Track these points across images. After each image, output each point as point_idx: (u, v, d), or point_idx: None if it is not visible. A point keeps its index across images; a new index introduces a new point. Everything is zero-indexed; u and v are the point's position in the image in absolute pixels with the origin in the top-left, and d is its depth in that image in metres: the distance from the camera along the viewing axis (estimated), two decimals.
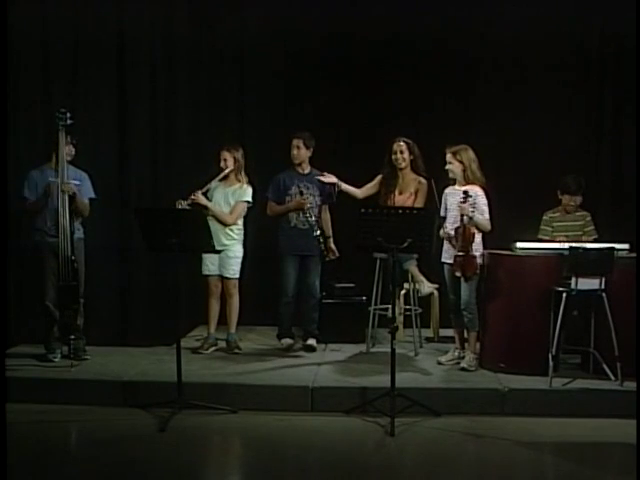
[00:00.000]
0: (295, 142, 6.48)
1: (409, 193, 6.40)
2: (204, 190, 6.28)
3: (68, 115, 5.86)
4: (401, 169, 6.40)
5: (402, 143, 6.38)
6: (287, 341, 6.61)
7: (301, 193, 6.43)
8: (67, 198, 5.87)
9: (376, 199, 6.45)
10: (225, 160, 6.36)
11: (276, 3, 7.29)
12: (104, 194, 6.50)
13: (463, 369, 5.90)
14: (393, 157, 6.39)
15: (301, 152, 6.48)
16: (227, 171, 6.35)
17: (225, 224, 6.34)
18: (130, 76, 6.83)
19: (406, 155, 6.38)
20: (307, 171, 6.56)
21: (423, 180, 6.37)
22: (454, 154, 5.90)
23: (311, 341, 6.59)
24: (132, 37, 6.81)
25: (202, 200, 6.27)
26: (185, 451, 4.69)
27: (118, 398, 5.49)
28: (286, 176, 6.55)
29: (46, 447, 4.82)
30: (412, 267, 6.34)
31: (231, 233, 6.40)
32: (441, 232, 5.90)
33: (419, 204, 6.32)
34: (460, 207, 5.75)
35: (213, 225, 6.16)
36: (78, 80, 6.76)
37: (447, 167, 5.94)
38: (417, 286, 6.43)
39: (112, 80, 6.79)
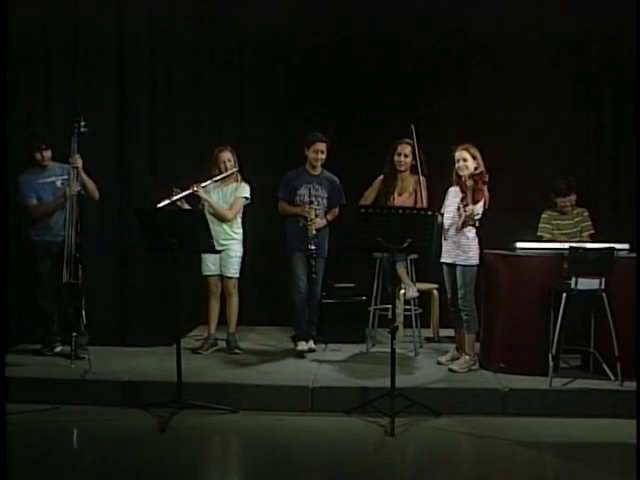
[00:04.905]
0: (321, 146, 6.32)
1: (408, 193, 6.39)
2: (204, 185, 6.29)
3: (82, 123, 6.03)
4: (401, 171, 6.39)
5: (407, 145, 6.32)
6: (303, 346, 6.41)
7: (310, 202, 6.31)
8: (75, 199, 5.99)
9: (377, 199, 6.44)
10: (229, 161, 6.36)
11: (276, 3, 7.29)
12: (104, 194, 6.50)
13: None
14: (396, 158, 6.35)
15: (323, 156, 6.36)
16: (234, 170, 6.37)
17: (225, 219, 6.34)
18: (130, 76, 6.82)
19: (409, 159, 6.33)
20: (318, 172, 6.45)
21: (422, 178, 6.33)
22: (468, 150, 5.77)
23: (310, 343, 6.52)
24: (132, 37, 6.80)
25: (202, 194, 6.27)
26: (185, 451, 4.69)
27: (118, 398, 5.49)
28: (295, 176, 6.43)
29: (46, 447, 4.83)
30: (400, 269, 6.24)
31: (231, 232, 6.40)
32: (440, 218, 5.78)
33: (423, 199, 6.28)
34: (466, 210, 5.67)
35: (212, 226, 6.16)
36: (78, 80, 6.75)
37: (459, 164, 5.76)
38: (403, 289, 6.39)
39: (112, 80, 6.78)
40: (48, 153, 6.13)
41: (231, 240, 6.40)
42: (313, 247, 6.24)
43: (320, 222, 6.33)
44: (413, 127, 6.12)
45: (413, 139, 6.13)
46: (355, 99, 7.58)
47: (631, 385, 5.36)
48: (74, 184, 5.99)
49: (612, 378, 5.52)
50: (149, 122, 6.90)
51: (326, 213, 6.45)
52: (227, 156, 6.37)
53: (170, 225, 5.32)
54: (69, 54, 6.75)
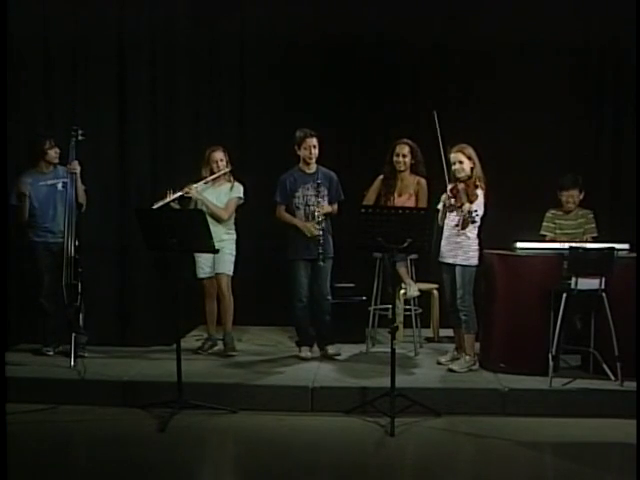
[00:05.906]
0: (312, 141, 6.18)
1: (408, 194, 6.38)
2: (196, 186, 6.27)
3: (80, 132, 6.13)
4: (400, 171, 6.38)
5: (405, 145, 6.31)
6: (307, 352, 6.28)
7: (317, 203, 6.15)
8: (75, 204, 6.08)
9: (377, 199, 6.43)
10: (221, 160, 6.35)
11: (276, 3, 7.29)
12: (104, 194, 6.49)
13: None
14: (394, 159, 6.35)
15: (316, 151, 6.21)
16: (227, 170, 6.35)
17: (220, 219, 6.29)
18: (130, 76, 6.81)
19: (407, 159, 6.33)
20: (313, 170, 6.30)
21: (422, 180, 6.35)
22: (462, 151, 5.76)
23: (332, 349, 6.33)
24: (132, 37, 6.80)
25: (196, 195, 6.24)
26: (185, 451, 4.69)
27: (118, 398, 5.49)
28: (291, 177, 6.29)
29: (46, 447, 4.83)
30: (401, 269, 6.23)
31: (225, 233, 6.37)
32: (443, 197, 5.76)
33: (422, 204, 6.28)
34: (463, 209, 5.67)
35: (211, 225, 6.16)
36: (78, 80, 6.75)
37: (455, 167, 5.76)
38: (403, 288, 6.36)
39: (112, 80, 6.78)
40: (58, 152, 6.19)
41: (225, 240, 6.35)
42: (320, 233, 6.09)
43: (327, 207, 6.21)
44: (435, 113, 5.75)
45: (435, 126, 5.75)
46: (355, 99, 7.57)
47: (631, 385, 5.36)
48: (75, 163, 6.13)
49: (612, 378, 5.52)
50: (149, 122, 6.89)
51: None
52: (220, 156, 6.36)
53: (170, 225, 5.32)
54: (69, 55, 6.74)
